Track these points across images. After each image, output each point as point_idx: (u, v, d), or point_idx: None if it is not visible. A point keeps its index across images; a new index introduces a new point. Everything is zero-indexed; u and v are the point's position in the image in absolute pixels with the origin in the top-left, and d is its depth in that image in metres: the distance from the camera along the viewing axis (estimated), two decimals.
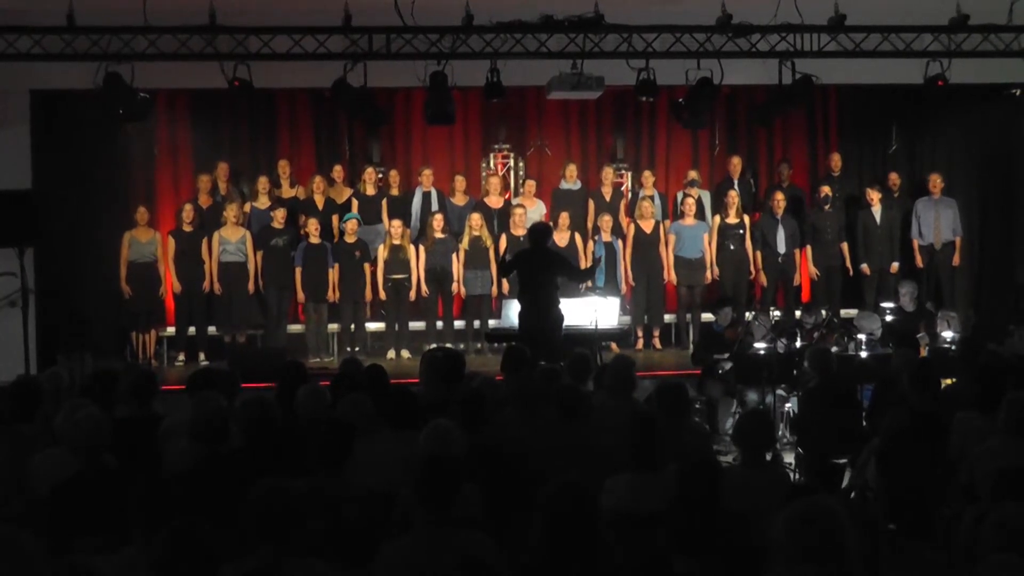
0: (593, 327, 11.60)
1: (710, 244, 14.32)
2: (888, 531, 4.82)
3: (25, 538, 3.91)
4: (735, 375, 11.20)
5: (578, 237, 13.99)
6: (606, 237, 14.01)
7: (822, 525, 3.38)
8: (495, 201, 14.56)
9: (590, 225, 14.47)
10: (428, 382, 8.44)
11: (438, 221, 13.92)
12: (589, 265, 13.05)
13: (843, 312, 14.05)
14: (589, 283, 13.72)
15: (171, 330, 14.14)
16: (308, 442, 6.05)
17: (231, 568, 4.28)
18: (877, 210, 14.49)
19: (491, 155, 15.60)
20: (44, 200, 12.50)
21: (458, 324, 14.31)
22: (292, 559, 4.42)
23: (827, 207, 14.50)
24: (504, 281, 13.76)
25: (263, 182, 14.33)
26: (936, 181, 14.59)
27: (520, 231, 13.63)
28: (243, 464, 6.11)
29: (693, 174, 15.00)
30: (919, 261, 14.58)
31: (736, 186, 14.72)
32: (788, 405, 10.90)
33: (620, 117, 15.77)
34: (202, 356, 13.84)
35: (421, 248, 13.97)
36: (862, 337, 11.48)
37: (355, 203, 14.33)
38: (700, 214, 14.48)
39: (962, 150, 15.49)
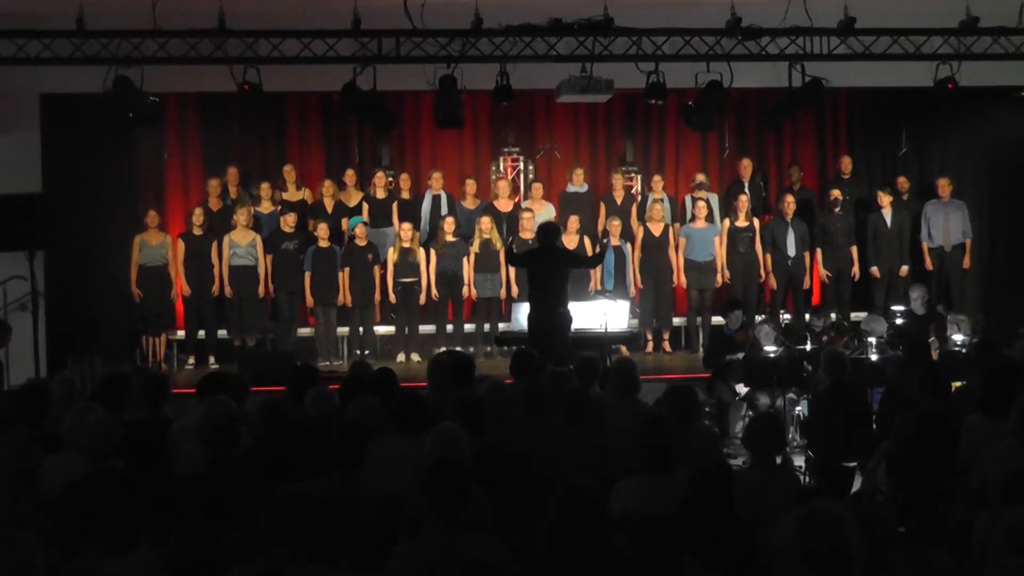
0: (603, 330, 11.60)
1: (720, 247, 14.30)
2: (898, 534, 4.81)
3: (29, 541, 3.91)
4: (745, 378, 11.20)
5: (587, 240, 13.96)
6: (615, 241, 14.00)
7: (827, 530, 3.37)
8: (504, 205, 14.57)
9: (600, 228, 14.45)
10: (437, 386, 8.44)
11: (449, 224, 13.93)
12: (596, 253, 13.08)
13: (853, 315, 14.04)
14: (599, 286, 13.74)
15: (181, 333, 14.16)
16: (320, 445, 6.05)
17: (240, 570, 4.29)
18: (887, 213, 14.47)
19: (500, 158, 15.61)
20: (54, 204, 12.55)
21: (468, 327, 14.31)
22: (302, 564, 4.42)
23: (837, 210, 14.47)
24: (514, 284, 13.79)
25: (265, 187, 14.37)
26: (944, 184, 14.60)
27: (529, 235, 13.63)
28: (253, 468, 6.12)
29: (702, 177, 15.02)
30: (928, 264, 14.58)
31: (747, 189, 14.71)
32: (798, 408, 10.90)
33: (629, 120, 15.78)
34: (212, 359, 13.88)
35: (431, 251, 13.98)
36: (872, 340, 11.45)
37: (365, 207, 14.35)
38: (710, 217, 14.48)
39: (972, 153, 15.49)
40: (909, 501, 5.05)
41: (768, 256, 14.37)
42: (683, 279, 14.30)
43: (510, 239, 12.15)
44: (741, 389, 11.31)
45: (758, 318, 12.91)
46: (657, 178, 14.85)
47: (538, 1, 12.15)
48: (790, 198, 14.43)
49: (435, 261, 13.95)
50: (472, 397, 7.15)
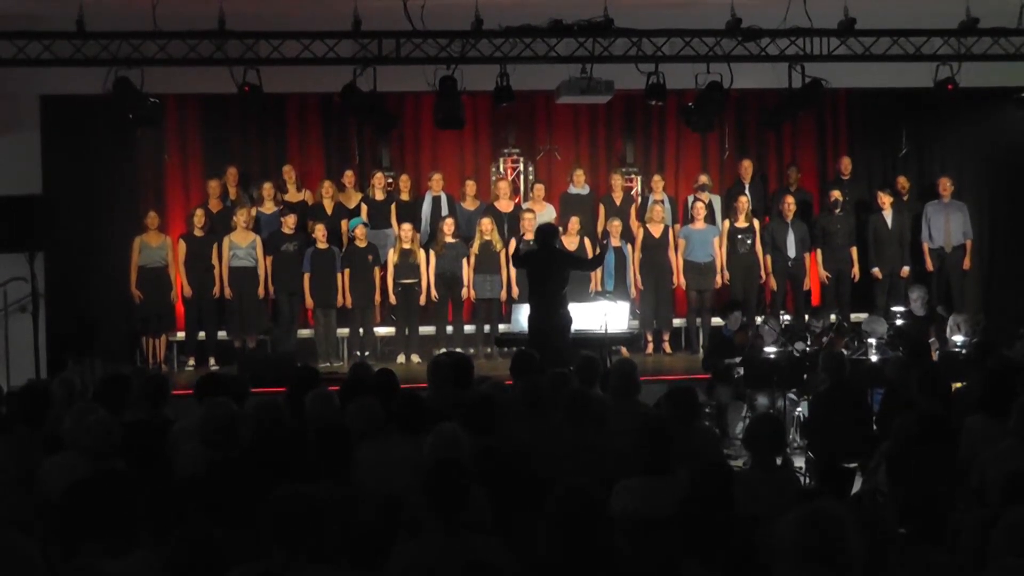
0: (603, 331, 11.60)
1: (720, 248, 14.29)
2: (898, 535, 4.81)
3: (29, 542, 3.91)
4: (744, 379, 11.20)
5: (587, 241, 13.96)
6: (615, 242, 13.99)
7: (826, 529, 3.37)
8: (505, 205, 14.57)
9: (600, 229, 14.45)
10: (437, 387, 8.44)
11: (449, 225, 13.93)
12: (595, 255, 13.06)
13: (853, 316, 14.04)
14: (599, 287, 13.74)
15: (181, 335, 14.16)
16: (311, 447, 6.05)
17: (240, 570, 4.29)
18: (888, 214, 14.48)
19: (500, 159, 15.62)
20: (54, 205, 12.57)
21: (468, 328, 14.31)
22: (301, 564, 4.42)
23: (837, 211, 14.48)
24: (515, 285, 13.78)
25: (268, 188, 14.36)
26: (945, 184, 14.61)
27: (530, 236, 13.64)
28: (253, 469, 6.11)
29: (705, 178, 15.00)
30: (929, 265, 14.58)
31: (747, 190, 14.70)
32: (799, 409, 10.90)
33: (629, 121, 15.79)
34: (212, 361, 13.88)
35: (431, 252, 13.98)
36: (872, 341, 11.45)
37: (364, 208, 14.34)
38: (710, 218, 14.48)
39: (972, 153, 15.48)
40: (909, 501, 5.04)
41: (768, 257, 14.37)
42: (682, 280, 14.30)
43: (516, 240, 12.13)
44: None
45: (758, 319, 12.90)
46: (657, 179, 14.84)
47: (538, 2, 12.15)
48: (790, 199, 14.43)
49: (435, 262, 13.94)
50: (482, 398, 7.14)
